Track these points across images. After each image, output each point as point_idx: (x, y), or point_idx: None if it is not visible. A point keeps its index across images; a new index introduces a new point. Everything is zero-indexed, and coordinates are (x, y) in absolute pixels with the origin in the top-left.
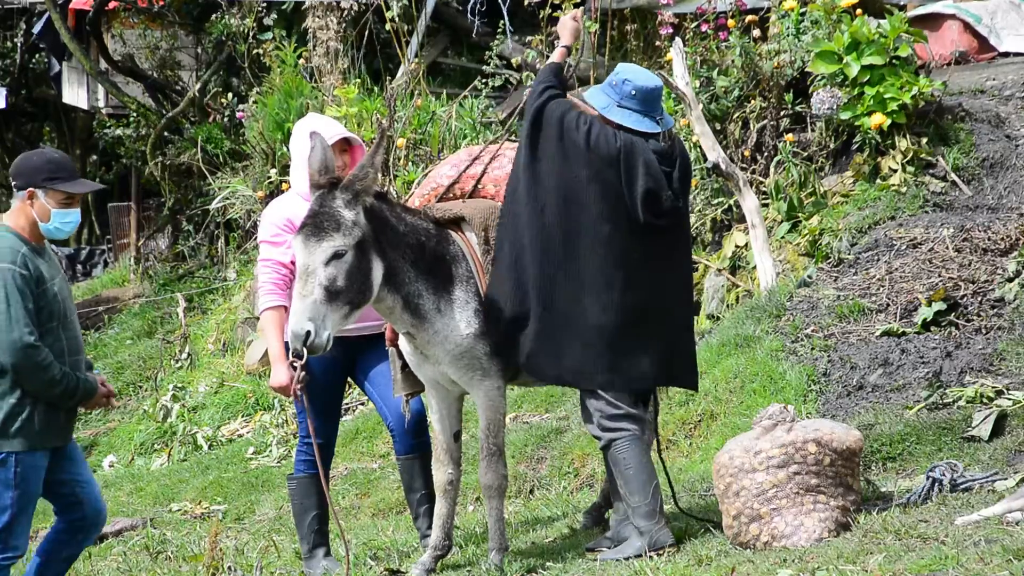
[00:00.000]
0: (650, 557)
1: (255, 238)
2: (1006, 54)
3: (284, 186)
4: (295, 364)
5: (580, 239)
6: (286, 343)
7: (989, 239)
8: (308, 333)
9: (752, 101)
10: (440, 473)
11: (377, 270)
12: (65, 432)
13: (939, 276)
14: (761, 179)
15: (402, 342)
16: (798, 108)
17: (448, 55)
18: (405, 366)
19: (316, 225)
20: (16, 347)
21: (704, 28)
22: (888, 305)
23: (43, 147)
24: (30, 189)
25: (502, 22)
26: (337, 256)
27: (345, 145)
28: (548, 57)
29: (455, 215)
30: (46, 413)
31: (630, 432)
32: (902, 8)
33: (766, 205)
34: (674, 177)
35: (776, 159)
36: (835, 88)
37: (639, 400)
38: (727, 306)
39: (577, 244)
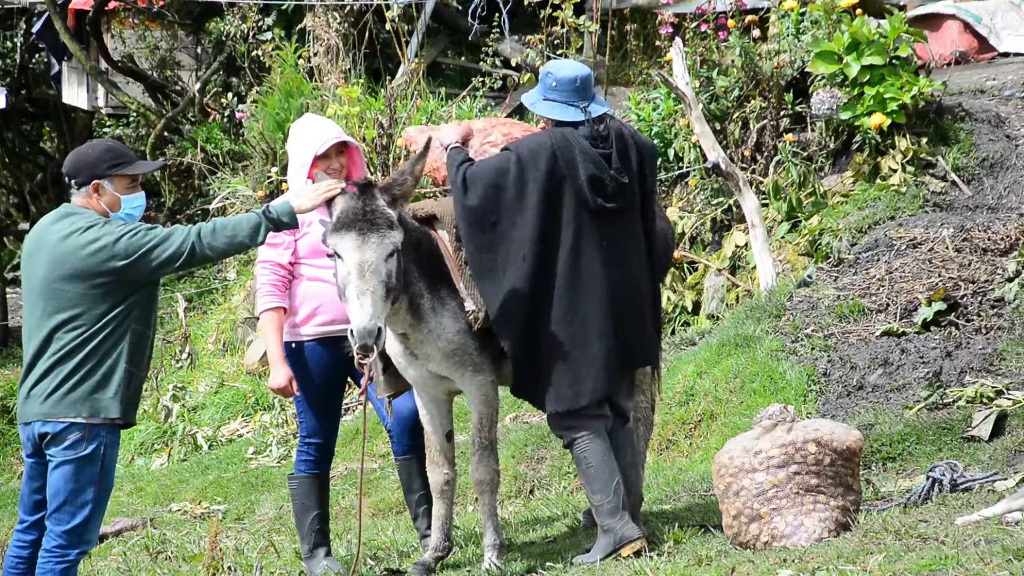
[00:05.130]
0: (649, 557)
1: None
2: (1006, 54)
3: (284, 186)
4: (363, 364)
5: (559, 257)
6: (287, 344)
7: (989, 239)
8: (380, 329)
9: (752, 101)
10: (436, 474)
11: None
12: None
13: (939, 276)
14: (761, 179)
15: (390, 344)
16: (798, 108)
17: (448, 55)
18: (387, 367)
19: (372, 222)
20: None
21: (704, 28)
22: (888, 305)
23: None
24: (95, 182)
25: (500, 20)
26: (393, 253)
27: (342, 147)
28: (548, 57)
29: (427, 213)
30: (137, 381)
31: (589, 430)
32: (902, 8)
33: (766, 205)
34: (612, 157)
35: (776, 159)
36: (835, 88)
37: (602, 399)
38: (727, 306)
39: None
